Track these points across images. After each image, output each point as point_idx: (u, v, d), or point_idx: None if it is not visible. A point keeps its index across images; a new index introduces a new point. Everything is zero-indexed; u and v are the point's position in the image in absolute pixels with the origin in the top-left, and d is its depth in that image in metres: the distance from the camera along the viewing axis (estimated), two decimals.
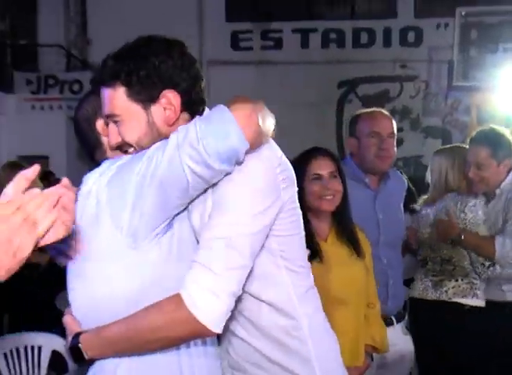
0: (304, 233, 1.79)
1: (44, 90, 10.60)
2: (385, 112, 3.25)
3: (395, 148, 3.18)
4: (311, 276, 1.84)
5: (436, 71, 10.79)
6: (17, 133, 10.37)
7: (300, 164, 2.76)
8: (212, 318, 1.48)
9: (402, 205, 3.37)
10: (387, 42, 11.10)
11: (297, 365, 1.67)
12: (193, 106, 1.66)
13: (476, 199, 3.37)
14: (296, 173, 2.23)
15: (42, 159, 9.30)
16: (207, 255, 1.53)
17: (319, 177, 2.79)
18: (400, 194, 3.38)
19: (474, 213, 3.33)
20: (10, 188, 1.23)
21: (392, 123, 3.16)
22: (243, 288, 1.56)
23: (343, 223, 2.87)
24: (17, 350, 3.07)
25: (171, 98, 1.60)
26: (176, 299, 1.50)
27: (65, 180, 1.29)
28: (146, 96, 1.61)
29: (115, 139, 1.68)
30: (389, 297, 3.11)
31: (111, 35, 9.11)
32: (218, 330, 1.51)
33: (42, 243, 1.21)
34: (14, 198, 1.20)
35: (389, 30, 11.04)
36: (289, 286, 1.69)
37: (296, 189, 1.78)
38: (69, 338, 1.61)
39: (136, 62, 1.61)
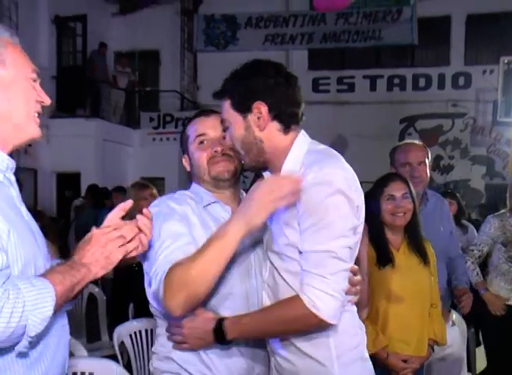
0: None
1: (163, 125, 11.85)
2: (418, 143, 3.32)
3: (427, 172, 3.25)
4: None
5: (482, 109, 11.65)
6: (141, 160, 11.64)
7: (378, 186, 2.99)
8: (329, 313, 1.68)
9: (446, 220, 3.45)
10: (441, 85, 12.19)
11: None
12: (281, 117, 1.80)
13: None
14: (374, 193, 2.92)
15: (159, 180, 10.68)
16: (316, 267, 1.70)
17: (393, 198, 2.92)
18: (440, 212, 3.41)
19: None
20: (111, 215, 1.58)
21: (423, 152, 3.24)
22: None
23: (413, 236, 3.01)
24: (140, 332, 3.22)
25: (260, 108, 1.77)
26: (297, 300, 1.70)
27: (146, 211, 1.62)
28: (242, 107, 1.80)
29: (228, 141, 1.91)
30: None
31: (215, 82, 11.56)
32: (335, 321, 1.72)
33: (128, 256, 1.56)
34: (113, 222, 1.56)
35: (442, 75, 12.13)
36: None
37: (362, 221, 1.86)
38: (208, 322, 1.82)
39: (237, 80, 1.83)
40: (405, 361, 2.96)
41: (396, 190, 2.92)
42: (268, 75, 1.80)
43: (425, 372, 3.16)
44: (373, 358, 2.53)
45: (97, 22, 11.76)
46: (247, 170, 2.01)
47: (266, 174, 1.95)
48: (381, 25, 12.13)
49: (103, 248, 1.52)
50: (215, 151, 2.03)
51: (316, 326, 1.74)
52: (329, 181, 1.72)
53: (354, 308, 1.97)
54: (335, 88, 12.55)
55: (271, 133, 1.81)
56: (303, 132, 1.89)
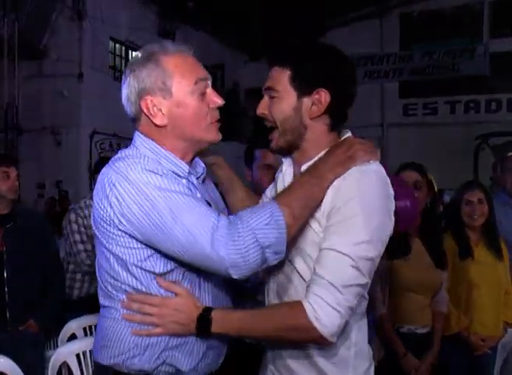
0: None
1: None
2: None
3: None
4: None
5: None
6: None
7: (459, 192, 3.13)
8: (331, 330, 1.42)
9: None
10: (510, 108, 13.31)
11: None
12: (336, 113, 1.57)
13: None
14: (456, 197, 3.16)
15: None
16: (331, 272, 1.43)
17: (470, 203, 3.04)
18: None
19: None
20: None
21: None
22: None
23: (490, 235, 3.10)
24: None
25: (322, 97, 1.53)
26: (300, 308, 1.44)
27: None
28: (304, 87, 1.54)
29: (262, 109, 1.61)
30: None
31: None
32: (334, 340, 1.44)
33: None
34: None
35: (511, 99, 13.24)
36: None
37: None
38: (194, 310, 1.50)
39: (309, 55, 1.56)
40: (483, 340, 3.10)
41: (472, 196, 3.07)
42: (342, 65, 1.57)
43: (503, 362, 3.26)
44: (456, 337, 2.85)
45: (233, 68, 14.33)
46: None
47: (286, 161, 1.71)
48: (459, 60, 13.44)
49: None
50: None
51: (313, 341, 1.50)
52: (376, 173, 1.51)
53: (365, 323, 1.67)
54: (421, 112, 13.77)
55: (318, 124, 1.57)
56: (349, 133, 1.66)
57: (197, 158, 1.72)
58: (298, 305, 1.46)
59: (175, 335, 1.56)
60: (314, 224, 1.54)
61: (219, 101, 1.62)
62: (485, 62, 13.36)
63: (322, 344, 1.50)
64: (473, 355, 3.08)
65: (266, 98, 1.63)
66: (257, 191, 2.26)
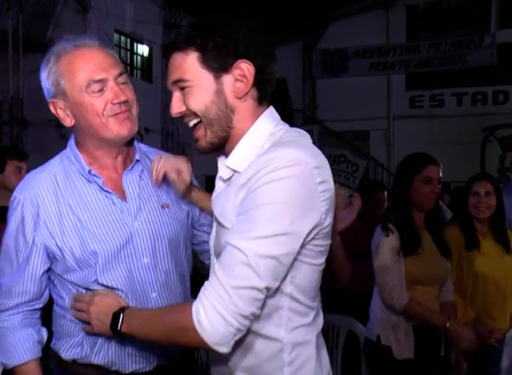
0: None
1: None
2: None
3: None
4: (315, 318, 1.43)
5: None
6: None
7: (467, 183, 3.16)
8: (213, 338, 1.21)
9: None
10: None
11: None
12: (263, 84, 1.37)
13: None
14: (464, 189, 3.16)
15: None
16: (223, 269, 1.22)
17: (477, 194, 3.07)
18: None
19: None
20: None
21: None
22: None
23: (497, 227, 3.10)
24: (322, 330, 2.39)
25: (245, 70, 1.33)
26: (187, 308, 1.26)
27: None
28: (220, 64, 1.33)
29: (178, 108, 1.39)
30: None
31: (330, 101, 13.48)
32: (223, 350, 1.23)
33: None
34: None
35: None
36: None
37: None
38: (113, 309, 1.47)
39: (214, 28, 1.34)
40: (490, 332, 3.16)
41: (480, 187, 3.10)
42: (252, 29, 1.35)
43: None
44: None
45: None
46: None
47: (221, 160, 1.45)
48: (465, 51, 13.29)
49: None
50: None
51: (203, 348, 1.29)
52: (286, 160, 1.24)
53: (313, 340, 1.41)
54: (428, 104, 13.63)
55: (247, 102, 1.36)
56: (271, 108, 1.43)
57: (140, 153, 1.78)
58: (189, 305, 1.29)
59: (100, 333, 1.58)
60: (227, 224, 1.36)
61: (120, 97, 1.57)
62: (492, 53, 13.18)
63: (214, 352, 1.28)
64: (479, 348, 3.08)
65: (177, 93, 1.42)
66: None
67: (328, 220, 1.35)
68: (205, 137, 1.41)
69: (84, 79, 1.56)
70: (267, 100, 1.44)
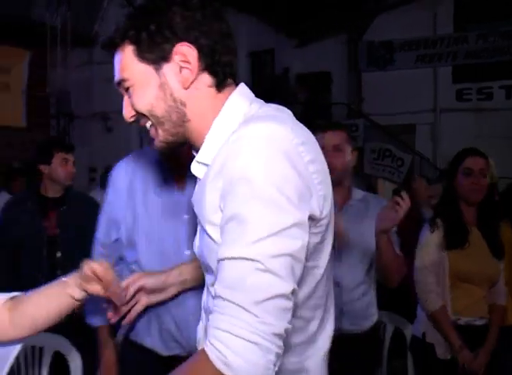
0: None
1: None
2: None
3: None
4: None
5: None
6: None
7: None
8: (252, 372, 0.96)
9: None
10: None
11: None
12: (217, 68, 1.20)
13: None
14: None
15: None
16: (230, 285, 1.00)
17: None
18: None
19: None
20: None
21: None
22: None
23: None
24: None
25: (186, 54, 1.17)
26: (203, 357, 1.01)
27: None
28: (156, 53, 1.18)
29: (128, 113, 1.26)
30: None
31: (376, 95, 13.26)
32: None
33: None
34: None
35: None
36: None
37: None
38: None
39: (145, 16, 1.18)
40: None
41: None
42: (190, 7, 1.17)
43: None
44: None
45: (282, 53, 14.31)
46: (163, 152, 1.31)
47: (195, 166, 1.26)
48: None
49: None
50: None
51: None
52: (262, 136, 1.07)
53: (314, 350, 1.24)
54: (475, 97, 13.38)
55: (199, 90, 1.19)
56: (242, 86, 1.27)
57: None
58: (201, 353, 1.03)
59: None
60: (209, 229, 1.15)
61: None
62: None
63: None
64: None
65: (126, 97, 1.28)
66: (339, 178, 2.31)
67: (327, 210, 1.16)
68: (158, 136, 1.27)
69: None
70: (232, 84, 1.29)
